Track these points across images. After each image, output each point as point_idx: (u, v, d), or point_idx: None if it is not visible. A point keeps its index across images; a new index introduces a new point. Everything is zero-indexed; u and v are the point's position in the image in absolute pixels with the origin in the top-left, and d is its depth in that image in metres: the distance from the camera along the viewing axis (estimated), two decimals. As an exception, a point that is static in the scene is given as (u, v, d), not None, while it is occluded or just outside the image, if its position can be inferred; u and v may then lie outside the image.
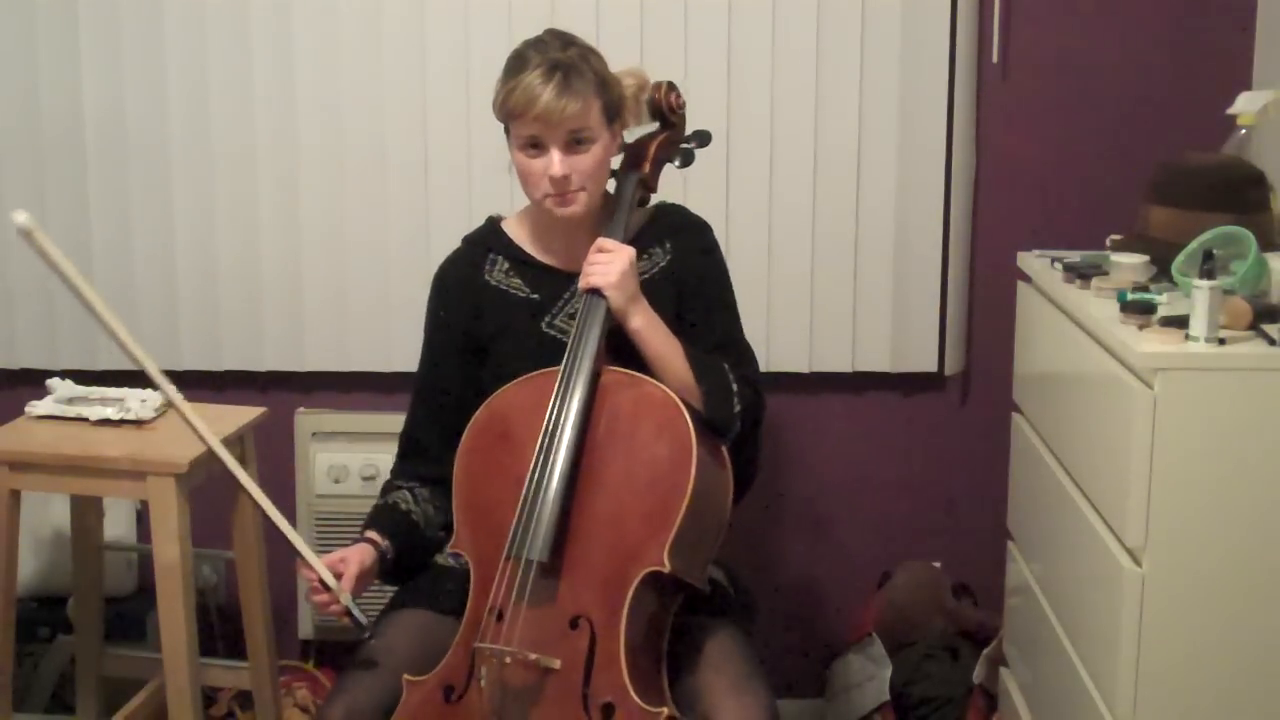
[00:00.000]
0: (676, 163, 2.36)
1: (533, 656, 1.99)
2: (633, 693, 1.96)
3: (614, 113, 2.23)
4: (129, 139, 2.95)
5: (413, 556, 2.27)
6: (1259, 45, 2.87)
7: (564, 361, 2.15)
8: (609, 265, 2.17)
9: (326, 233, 2.97)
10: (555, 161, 2.16)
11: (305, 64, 2.92)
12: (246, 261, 2.99)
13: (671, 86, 2.34)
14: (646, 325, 2.18)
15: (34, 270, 2.99)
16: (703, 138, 2.38)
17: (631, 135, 2.33)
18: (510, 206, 2.43)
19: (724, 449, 2.17)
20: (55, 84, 2.93)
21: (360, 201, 2.96)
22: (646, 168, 2.30)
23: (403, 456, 2.36)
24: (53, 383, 2.64)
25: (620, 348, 2.19)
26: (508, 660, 2.00)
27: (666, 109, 2.33)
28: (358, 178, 2.95)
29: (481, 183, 2.92)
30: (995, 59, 2.91)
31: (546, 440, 2.09)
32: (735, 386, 2.19)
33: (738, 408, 2.17)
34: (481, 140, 2.91)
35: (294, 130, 2.94)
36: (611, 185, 2.31)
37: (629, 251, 2.18)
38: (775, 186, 2.93)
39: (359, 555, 2.16)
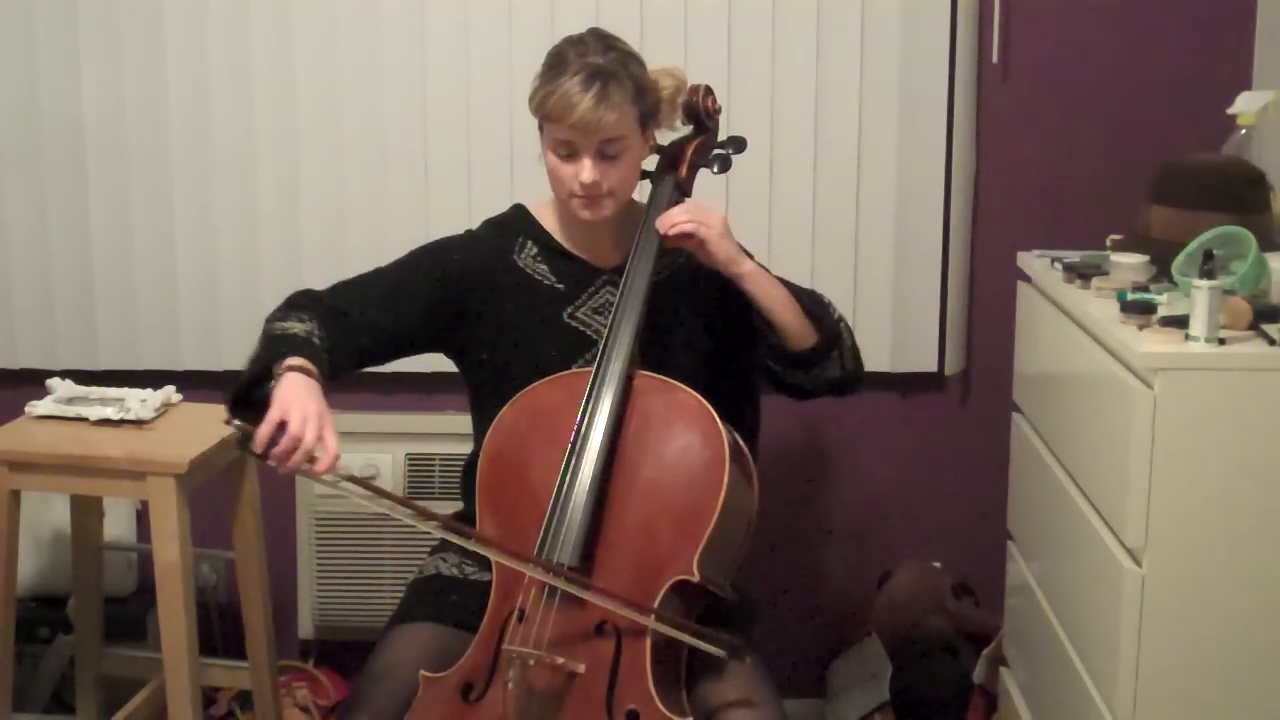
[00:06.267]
0: (715, 169, 2.35)
1: (559, 660, 1.99)
2: (657, 701, 1.96)
3: (649, 119, 2.22)
4: (129, 139, 2.95)
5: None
6: (1259, 45, 2.86)
7: (596, 362, 2.14)
8: (709, 215, 2.17)
9: (326, 233, 2.97)
10: (586, 169, 2.15)
11: (305, 64, 2.92)
12: (246, 261, 2.98)
13: (708, 90, 2.33)
14: (756, 270, 2.21)
15: (34, 270, 3.00)
16: (738, 144, 2.36)
17: (665, 137, 2.32)
18: (511, 205, 2.42)
19: (751, 459, 2.16)
20: (55, 84, 2.93)
21: (360, 201, 2.96)
22: (683, 171, 2.30)
23: (324, 313, 2.18)
24: (53, 383, 2.64)
25: (650, 352, 2.19)
26: (532, 662, 2.00)
27: (703, 113, 2.32)
28: (358, 178, 2.95)
29: (481, 182, 2.92)
30: (995, 59, 2.91)
31: (577, 442, 2.08)
32: (827, 300, 2.31)
33: (837, 314, 2.30)
34: (481, 139, 2.92)
35: (294, 130, 2.94)
36: (645, 186, 2.31)
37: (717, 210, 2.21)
38: (775, 186, 2.93)
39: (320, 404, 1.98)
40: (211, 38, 2.91)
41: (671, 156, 2.32)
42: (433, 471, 2.99)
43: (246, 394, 2.01)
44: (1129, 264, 2.33)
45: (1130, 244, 2.41)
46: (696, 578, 2.01)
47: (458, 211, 2.90)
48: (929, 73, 2.90)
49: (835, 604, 3.13)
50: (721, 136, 2.37)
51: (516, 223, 2.34)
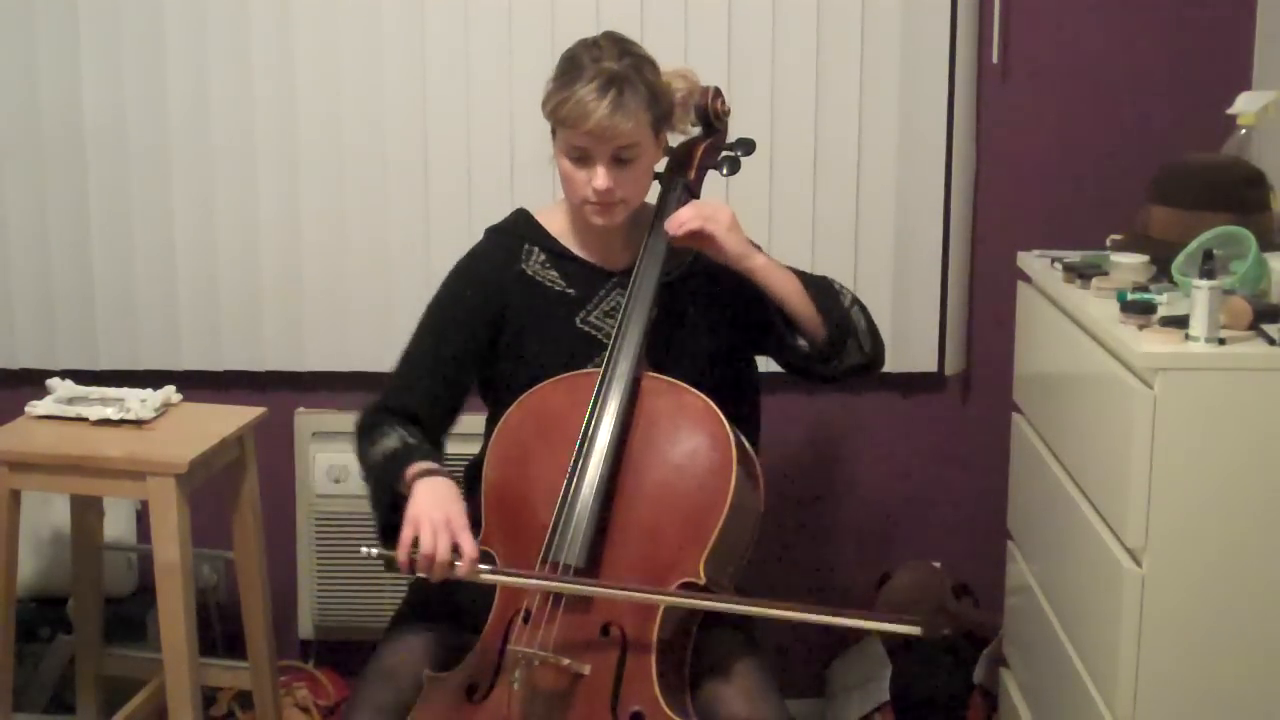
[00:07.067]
0: (724, 170, 2.35)
1: (565, 661, 1.99)
2: (663, 703, 1.96)
3: (662, 124, 2.21)
4: (129, 139, 2.95)
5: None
6: (1259, 45, 2.87)
7: (603, 364, 2.14)
8: (716, 211, 2.17)
9: (326, 233, 2.97)
10: (600, 176, 2.14)
11: (305, 64, 2.92)
12: (246, 261, 2.99)
13: (718, 93, 2.33)
14: (767, 263, 2.21)
15: (34, 270, 3.00)
16: (747, 145, 2.36)
17: (673, 139, 2.31)
18: (511, 206, 2.42)
19: (757, 462, 2.16)
20: (55, 85, 2.93)
21: (360, 201, 2.96)
22: (692, 174, 2.30)
23: (397, 416, 2.23)
24: (53, 383, 2.64)
25: (656, 354, 2.19)
26: (537, 663, 2.00)
27: (712, 115, 2.32)
28: (358, 178, 2.95)
29: (481, 183, 2.92)
30: (995, 59, 2.91)
31: (584, 444, 2.08)
32: (838, 286, 2.31)
33: (848, 300, 2.31)
34: (481, 141, 2.92)
35: (294, 131, 2.94)
36: (655, 187, 2.30)
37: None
38: (775, 186, 2.93)
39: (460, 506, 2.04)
40: (211, 38, 2.91)
41: (681, 158, 2.32)
42: (433, 471, 2.99)
43: (390, 526, 2.09)
44: (1129, 264, 2.33)
45: (1130, 244, 2.41)
46: (703, 580, 2.01)
47: (458, 213, 2.90)
48: (929, 73, 2.90)
49: (835, 604, 3.11)
50: (730, 138, 2.37)
51: (520, 229, 2.33)
